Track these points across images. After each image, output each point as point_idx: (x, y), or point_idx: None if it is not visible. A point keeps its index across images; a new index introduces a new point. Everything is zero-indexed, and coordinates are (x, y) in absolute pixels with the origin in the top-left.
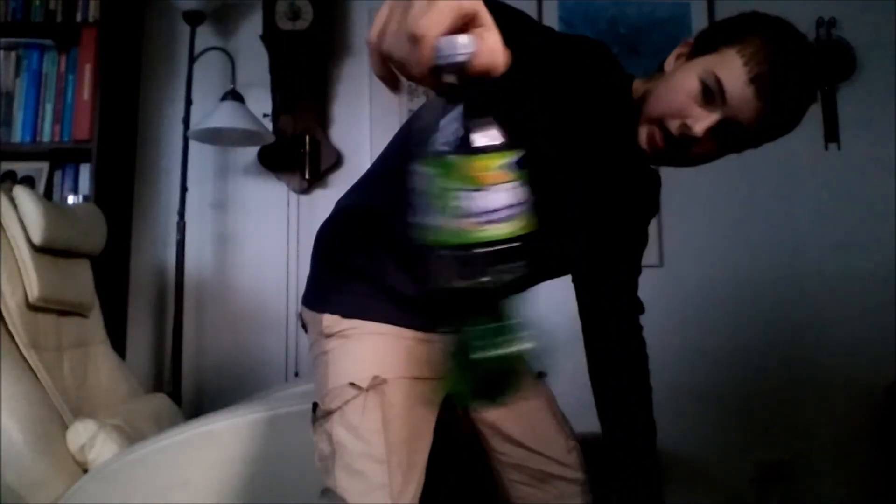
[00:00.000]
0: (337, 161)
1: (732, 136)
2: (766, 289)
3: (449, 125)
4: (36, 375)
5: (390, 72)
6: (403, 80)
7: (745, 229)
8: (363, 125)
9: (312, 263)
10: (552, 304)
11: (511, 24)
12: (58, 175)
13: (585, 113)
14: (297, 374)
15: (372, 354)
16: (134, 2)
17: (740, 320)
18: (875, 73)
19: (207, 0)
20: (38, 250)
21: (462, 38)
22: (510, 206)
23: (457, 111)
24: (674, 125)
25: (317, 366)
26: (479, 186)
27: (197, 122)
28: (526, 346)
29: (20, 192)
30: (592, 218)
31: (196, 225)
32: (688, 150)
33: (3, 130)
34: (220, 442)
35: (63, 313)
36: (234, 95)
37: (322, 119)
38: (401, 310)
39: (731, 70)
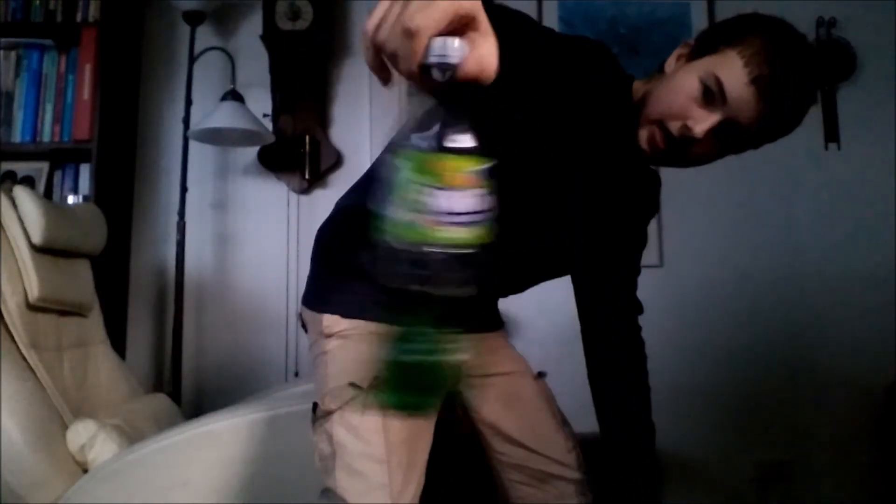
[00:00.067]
0: (337, 161)
1: (733, 136)
2: (766, 289)
3: (427, 121)
4: (36, 375)
5: (382, 63)
6: (396, 74)
7: (745, 229)
8: (363, 125)
9: (312, 263)
10: (552, 304)
11: (509, 28)
12: (58, 175)
13: (585, 113)
14: (297, 374)
15: (372, 355)
16: (134, 2)
17: (740, 320)
18: (875, 73)
19: (207, 0)
20: (38, 250)
21: (455, 42)
22: (473, 213)
23: (438, 110)
24: (674, 126)
25: (317, 366)
26: (445, 185)
27: (197, 122)
28: (452, 357)
29: (20, 192)
30: (592, 218)
31: (196, 225)
32: (688, 151)
33: (3, 130)
34: (220, 442)
35: (63, 313)
36: (234, 95)
37: (322, 119)
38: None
39: (732, 71)
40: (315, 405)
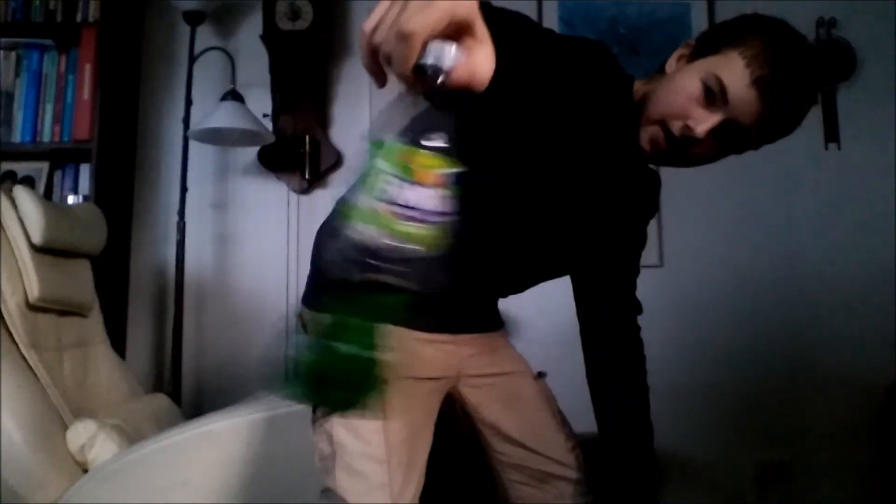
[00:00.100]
0: (337, 161)
1: (733, 137)
2: (766, 289)
3: (410, 115)
4: (36, 375)
5: (378, 65)
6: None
7: (745, 229)
8: (363, 125)
9: (312, 263)
10: (552, 304)
11: (507, 35)
12: (58, 175)
13: (586, 114)
14: None
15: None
16: (134, 2)
17: (740, 320)
18: (875, 73)
19: (207, 0)
20: (38, 250)
21: (451, 47)
22: (433, 213)
23: (423, 106)
24: (676, 126)
25: None
26: (414, 180)
27: (197, 122)
28: (374, 355)
29: (20, 192)
30: (592, 218)
31: (196, 225)
32: (688, 151)
33: (3, 130)
34: (220, 442)
35: (63, 313)
36: (234, 95)
37: (322, 119)
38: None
39: (733, 72)
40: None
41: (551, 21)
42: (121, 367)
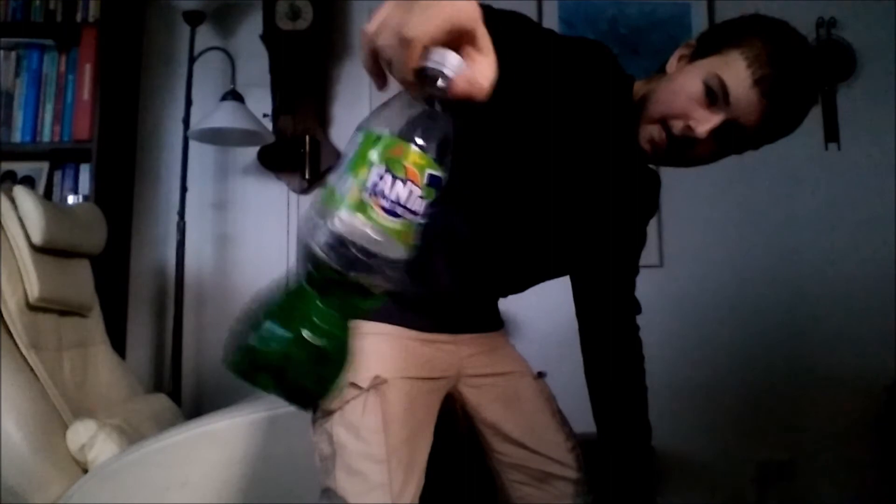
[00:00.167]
0: (337, 161)
1: (734, 137)
2: (766, 289)
3: (406, 114)
4: (36, 375)
5: (378, 68)
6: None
7: (745, 229)
8: None
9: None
10: (552, 304)
11: (509, 39)
12: (58, 175)
13: (586, 114)
14: None
15: (372, 354)
16: (134, 2)
17: (740, 320)
18: (875, 73)
19: (207, 0)
20: (38, 250)
21: (454, 57)
22: (408, 209)
23: (420, 108)
24: (676, 126)
25: None
26: (398, 174)
27: (197, 122)
28: (339, 347)
29: (20, 192)
30: (592, 218)
31: (196, 225)
32: (689, 151)
33: (3, 130)
34: (220, 442)
35: (63, 313)
36: (234, 95)
37: (322, 119)
38: (401, 310)
39: (735, 72)
40: (316, 405)
41: (551, 21)
42: (121, 367)
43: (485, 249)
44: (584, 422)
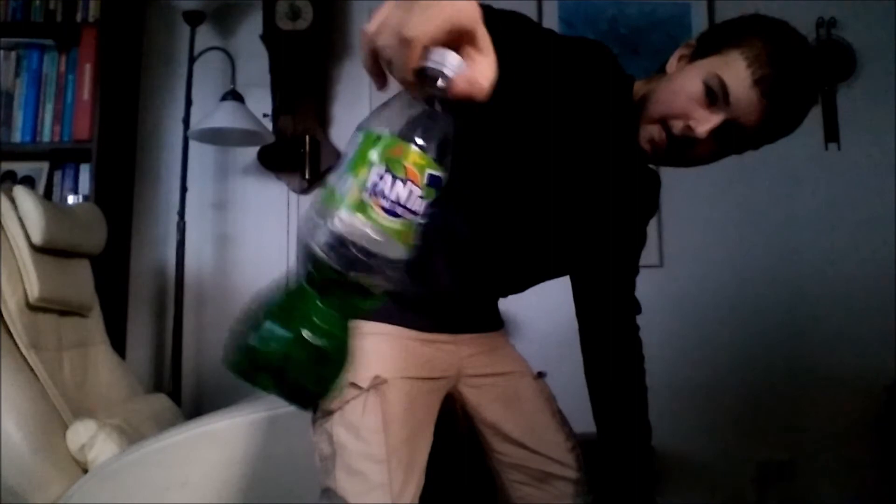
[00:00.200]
0: (337, 161)
1: (734, 137)
2: (766, 289)
3: (406, 114)
4: (36, 375)
5: (378, 67)
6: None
7: (745, 229)
8: None
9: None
10: (552, 304)
11: (508, 40)
12: (58, 175)
13: (585, 114)
14: None
15: (372, 354)
16: (134, 2)
17: (740, 320)
18: (875, 73)
19: (207, 0)
20: (38, 250)
21: (454, 57)
22: (408, 209)
23: (420, 108)
24: (676, 126)
25: None
26: (398, 173)
27: (197, 122)
28: (339, 348)
29: (20, 192)
30: (592, 218)
31: (196, 225)
32: (689, 151)
33: (3, 130)
34: (220, 442)
35: (63, 313)
36: (234, 95)
37: (322, 119)
38: (401, 310)
39: (735, 72)
40: (316, 405)
41: (551, 21)
42: (121, 367)
43: (485, 249)
44: (584, 422)
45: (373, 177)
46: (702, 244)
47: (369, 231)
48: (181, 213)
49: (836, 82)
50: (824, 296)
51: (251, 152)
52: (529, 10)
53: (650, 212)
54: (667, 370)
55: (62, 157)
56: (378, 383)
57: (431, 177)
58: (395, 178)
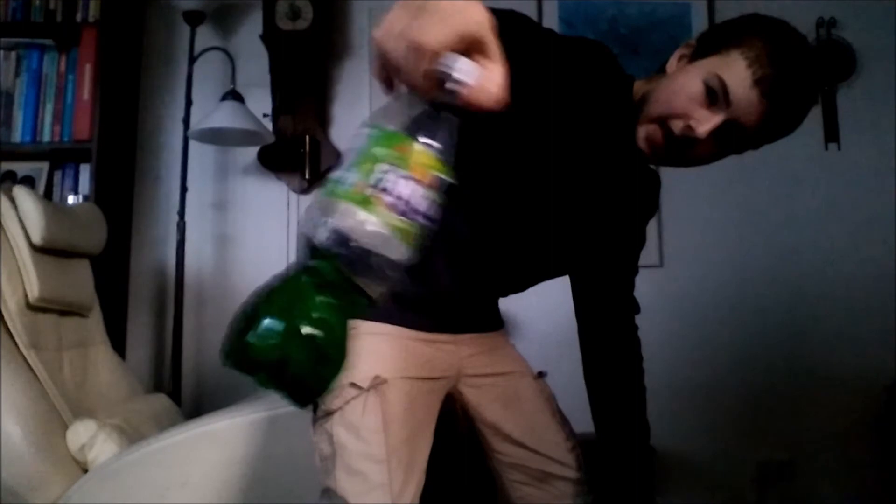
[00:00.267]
0: (337, 161)
1: (734, 137)
2: (766, 289)
3: (410, 113)
4: (36, 375)
5: (387, 72)
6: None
7: (745, 229)
8: None
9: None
10: (552, 304)
11: (515, 45)
12: (58, 175)
13: (585, 114)
14: None
15: (373, 354)
16: (134, 2)
17: (740, 320)
18: (875, 73)
19: (207, 0)
20: (38, 250)
21: (467, 63)
22: (417, 211)
23: (422, 107)
24: (677, 126)
25: None
26: (406, 171)
27: (197, 122)
28: (338, 344)
29: (20, 192)
30: (592, 218)
31: (196, 225)
32: (689, 151)
33: (3, 130)
34: (220, 442)
35: (63, 313)
36: (234, 95)
37: (322, 119)
38: (401, 310)
39: (735, 72)
40: (315, 405)
41: (551, 21)
42: (121, 367)
43: (485, 249)
44: (584, 422)
45: (378, 173)
46: (702, 244)
47: (371, 227)
48: (181, 213)
49: (836, 82)
50: (824, 296)
51: (251, 152)
52: (529, 10)
53: (650, 212)
54: (667, 370)
55: (62, 157)
56: (378, 383)
57: (436, 178)
58: (400, 175)
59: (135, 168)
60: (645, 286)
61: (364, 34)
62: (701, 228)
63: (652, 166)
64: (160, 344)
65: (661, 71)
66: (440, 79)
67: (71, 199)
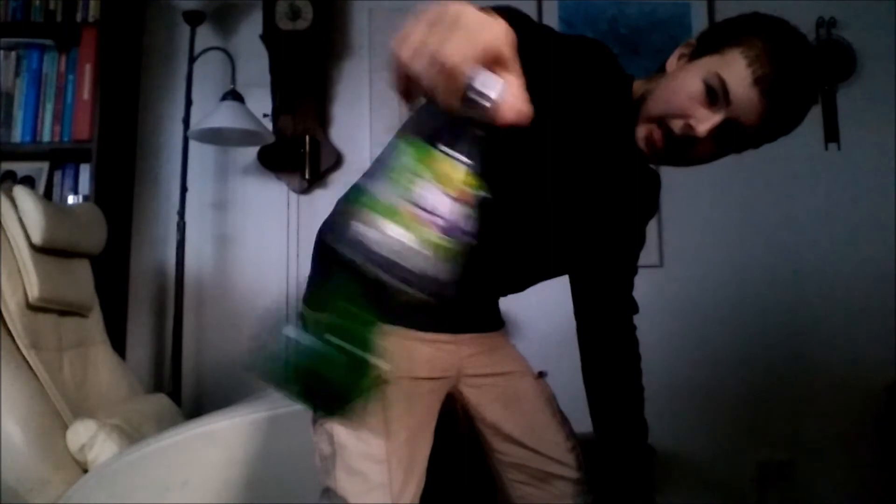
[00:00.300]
0: (337, 161)
1: (734, 136)
2: (766, 289)
3: (439, 122)
4: (36, 375)
5: (409, 89)
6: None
7: (745, 229)
8: (363, 125)
9: (313, 263)
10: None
11: (536, 62)
12: (58, 175)
13: (585, 113)
14: None
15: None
16: (134, 2)
17: (740, 320)
18: (875, 73)
19: (207, 0)
20: (38, 250)
21: (496, 80)
22: (453, 225)
23: (457, 121)
24: (677, 125)
25: None
26: (441, 187)
27: (197, 122)
28: (371, 358)
29: (20, 192)
30: (591, 218)
31: (196, 225)
32: (688, 150)
33: (3, 130)
34: (220, 442)
35: (63, 313)
36: (234, 95)
37: (322, 119)
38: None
39: (735, 71)
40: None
41: (551, 21)
42: (121, 367)
43: (484, 249)
44: (584, 422)
45: (413, 186)
46: (702, 244)
47: (409, 242)
48: (181, 213)
49: (836, 82)
50: (824, 296)
51: (251, 152)
52: (529, 10)
53: (650, 212)
54: (667, 370)
55: (62, 157)
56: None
57: (472, 193)
58: (431, 185)
59: (135, 168)
60: (645, 286)
61: (364, 34)
62: (701, 228)
63: (652, 166)
64: (160, 344)
65: (661, 70)
66: (466, 96)
67: (71, 199)
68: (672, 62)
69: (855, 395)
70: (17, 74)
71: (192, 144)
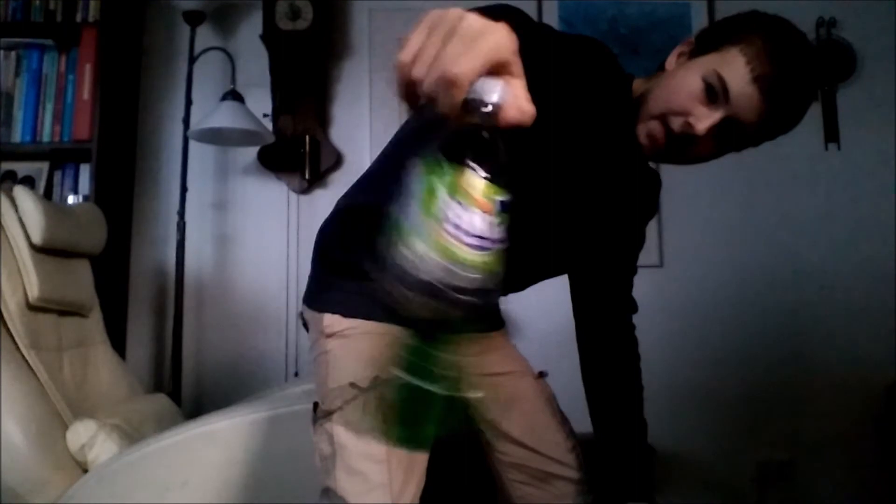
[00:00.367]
0: (337, 161)
1: (734, 134)
2: (766, 289)
3: (458, 137)
4: (36, 375)
5: (414, 97)
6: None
7: (745, 229)
8: (363, 125)
9: (313, 263)
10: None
11: (539, 66)
12: (58, 175)
13: (585, 113)
14: (296, 374)
15: (373, 354)
16: (134, 2)
17: (740, 320)
18: (875, 73)
19: (207, 0)
20: (38, 250)
21: (497, 84)
22: (483, 238)
23: (471, 131)
24: (676, 123)
25: (317, 365)
26: (469, 204)
27: (197, 122)
28: (457, 390)
29: (20, 192)
30: (591, 217)
31: (196, 225)
32: (688, 149)
33: (3, 130)
34: (220, 442)
35: (63, 313)
36: (234, 95)
37: (322, 119)
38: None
39: (735, 69)
40: (315, 405)
41: (551, 21)
42: (121, 367)
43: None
44: (584, 422)
45: (445, 208)
46: (702, 244)
47: (452, 266)
48: (181, 213)
49: (836, 82)
50: (824, 296)
51: (251, 152)
52: (529, 10)
53: (650, 212)
54: (667, 370)
55: (62, 157)
56: (378, 383)
57: (493, 200)
58: (458, 204)
59: (135, 168)
60: (645, 286)
61: (364, 34)
62: (701, 228)
63: (652, 166)
64: (160, 344)
65: (661, 69)
66: (472, 104)
67: (71, 199)
68: (671, 61)
69: (855, 395)
70: (17, 74)
71: (192, 144)
